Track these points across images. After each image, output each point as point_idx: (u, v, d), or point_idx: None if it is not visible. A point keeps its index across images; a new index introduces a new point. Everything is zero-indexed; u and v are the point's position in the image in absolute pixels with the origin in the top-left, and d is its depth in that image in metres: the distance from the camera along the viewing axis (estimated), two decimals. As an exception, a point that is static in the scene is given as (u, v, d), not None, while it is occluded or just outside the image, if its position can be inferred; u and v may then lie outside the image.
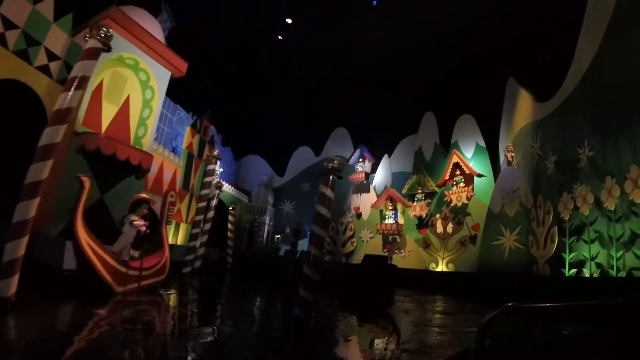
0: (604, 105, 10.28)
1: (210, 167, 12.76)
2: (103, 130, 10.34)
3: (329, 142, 26.14)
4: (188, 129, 15.71)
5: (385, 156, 23.42)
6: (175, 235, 15.53)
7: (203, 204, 12.68)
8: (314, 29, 27.98)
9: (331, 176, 6.30)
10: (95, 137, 9.31)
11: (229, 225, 16.44)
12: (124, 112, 11.00)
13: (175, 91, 18.86)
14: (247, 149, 28.09)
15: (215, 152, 12.93)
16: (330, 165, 6.26)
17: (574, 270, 10.72)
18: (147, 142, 11.41)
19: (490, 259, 15.04)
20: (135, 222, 7.68)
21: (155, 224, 9.20)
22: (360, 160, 23.44)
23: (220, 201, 19.67)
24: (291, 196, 25.65)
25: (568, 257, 10.97)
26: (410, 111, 23.74)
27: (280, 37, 28.66)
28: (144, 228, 7.71)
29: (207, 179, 12.80)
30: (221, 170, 22.59)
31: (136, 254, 7.81)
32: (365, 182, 22.93)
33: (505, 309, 2.54)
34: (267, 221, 24.56)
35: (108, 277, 6.94)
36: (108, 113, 10.60)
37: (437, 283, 14.40)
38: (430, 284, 14.23)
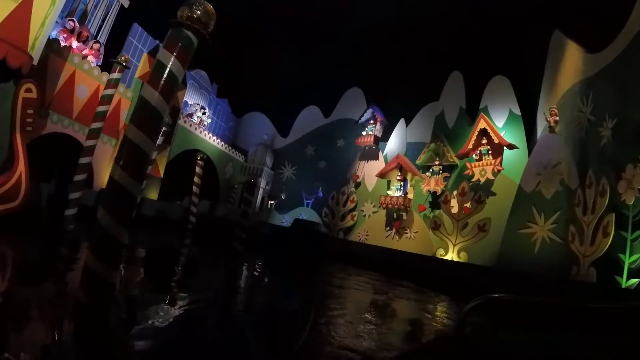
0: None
1: (114, 76, 9.37)
2: (-10, 28, 7.57)
3: (340, 103, 22.88)
4: (145, 55, 12.76)
5: (402, 121, 20.01)
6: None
7: (97, 124, 9.25)
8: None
9: (185, 32, 3.28)
10: None
11: (195, 179, 13.59)
12: (24, 9, 8.13)
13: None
14: (250, 105, 25.28)
15: (123, 58, 9.59)
16: (187, 13, 3.23)
17: (635, 280, 7.41)
18: (38, 44, 8.58)
19: (514, 252, 11.72)
20: None
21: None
22: (371, 122, 20.07)
23: (208, 158, 17.17)
24: (293, 160, 22.76)
25: (628, 260, 7.64)
26: (434, 73, 20.19)
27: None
28: None
29: (107, 92, 9.40)
30: (210, 121, 19.74)
31: None
32: (374, 147, 19.66)
33: (487, 300, 2.40)
34: (263, 184, 21.77)
35: None
36: (1, 9, 7.77)
37: (440, 276, 11.09)
38: (429, 276, 11.01)
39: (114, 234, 3.05)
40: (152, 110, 3.23)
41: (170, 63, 3.28)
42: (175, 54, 3.29)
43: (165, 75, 3.27)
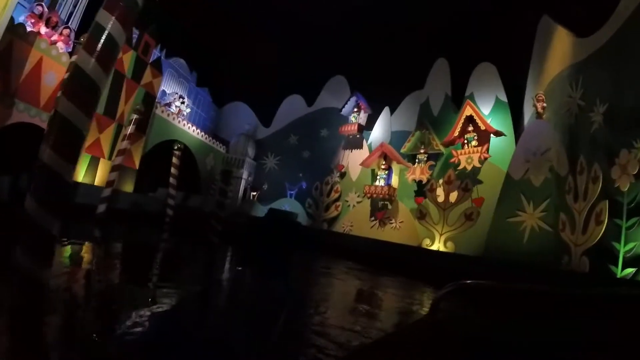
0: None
1: (60, 47, 8.87)
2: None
3: (324, 92, 22.39)
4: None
5: (386, 110, 19.59)
6: (92, 172, 12.17)
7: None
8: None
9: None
10: None
11: (172, 170, 13.00)
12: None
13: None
14: (232, 95, 24.56)
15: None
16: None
17: (630, 270, 7.14)
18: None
19: (502, 241, 11.45)
20: None
21: None
22: (355, 110, 19.63)
23: (186, 148, 16.47)
24: (276, 150, 22.24)
25: (623, 249, 7.35)
26: (419, 61, 19.72)
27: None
28: None
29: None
30: (189, 110, 19.06)
31: None
32: (358, 136, 19.22)
33: (459, 286, 2.39)
34: (245, 175, 21.20)
35: None
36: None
37: (424, 267, 10.74)
38: (414, 267, 10.69)
39: (44, 226, 2.55)
40: (87, 80, 2.71)
41: (110, 25, 2.76)
42: (115, 15, 2.78)
43: (103, 39, 2.75)
